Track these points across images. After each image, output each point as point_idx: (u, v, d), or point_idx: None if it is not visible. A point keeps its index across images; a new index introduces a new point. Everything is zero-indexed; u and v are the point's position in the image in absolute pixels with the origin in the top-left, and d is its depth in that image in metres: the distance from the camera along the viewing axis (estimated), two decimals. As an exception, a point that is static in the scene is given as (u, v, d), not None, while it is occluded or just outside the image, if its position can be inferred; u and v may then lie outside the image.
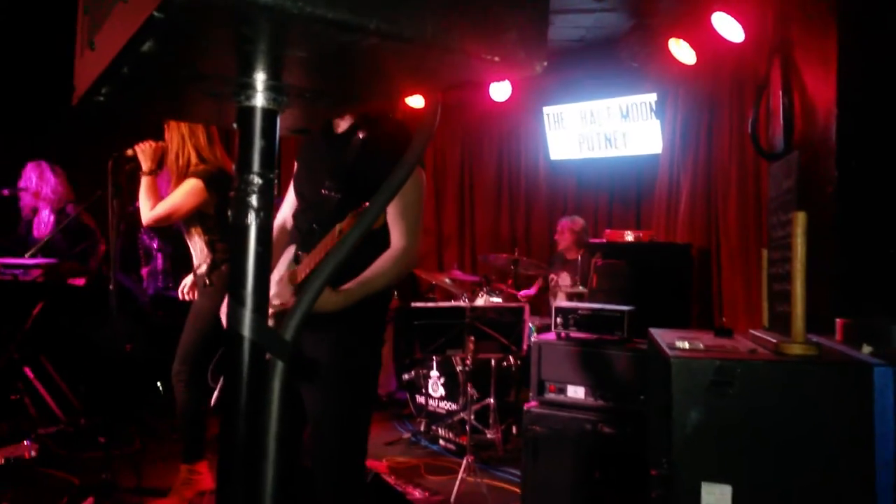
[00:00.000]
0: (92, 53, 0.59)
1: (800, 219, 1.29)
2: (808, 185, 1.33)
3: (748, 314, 3.90)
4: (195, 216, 3.23)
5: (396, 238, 1.89)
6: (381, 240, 1.89)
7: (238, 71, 0.57)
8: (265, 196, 0.59)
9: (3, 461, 3.85)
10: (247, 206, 0.59)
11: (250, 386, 0.59)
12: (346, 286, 1.81)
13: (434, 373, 4.53)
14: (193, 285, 3.36)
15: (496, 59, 0.49)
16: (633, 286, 3.53)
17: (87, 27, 0.63)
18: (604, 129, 5.69)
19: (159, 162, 3.27)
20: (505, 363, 4.48)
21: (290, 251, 1.99)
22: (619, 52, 4.89)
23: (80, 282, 4.42)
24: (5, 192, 4.34)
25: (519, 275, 5.19)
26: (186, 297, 3.36)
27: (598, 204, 6.13)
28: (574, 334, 2.94)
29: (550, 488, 2.79)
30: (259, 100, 0.59)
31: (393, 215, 1.87)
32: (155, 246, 4.84)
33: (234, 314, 0.59)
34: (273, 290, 1.89)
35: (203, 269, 3.27)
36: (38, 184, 4.49)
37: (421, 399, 4.63)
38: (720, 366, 1.29)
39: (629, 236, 4.14)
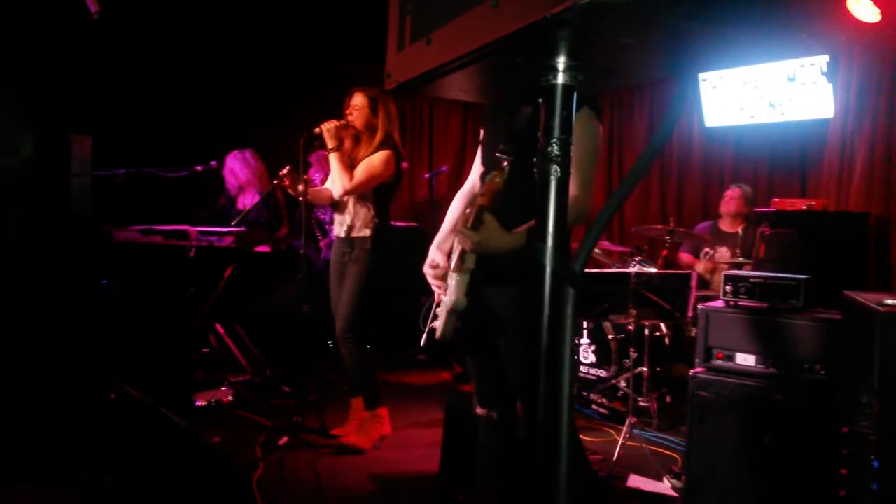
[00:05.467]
0: (427, 48, 0.76)
1: None
2: None
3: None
4: None
5: (570, 187, 1.98)
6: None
7: (547, 56, 0.72)
8: (565, 155, 0.74)
9: (206, 403, 4.42)
10: (550, 162, 0.74)
11: (551, 307, 0.74)
12: (518, 229, 1.94)
13: (584, 340, 4.62)
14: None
15: (802, 35, 0.59)
16: (805, 256, 3.42)
17: (412, 25, 0.81)
18: (767, 93, 5.44)
19: (341, 140, 3.63)
20: (657, 333, 4.50)
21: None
22: (788, 12, 4.65)
23: (266, 249, 4.91)
24: (213, 163, 4.90)
25: (674, 246, 5.12)
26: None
27: (757, 173, 5.86)
28: (744, 303, 2.93)
29: (717, 452, 2.82)
30: (560, 78, 0.74)
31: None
32: (328, 219, 5.27)
33: (539, 250, 0.75)
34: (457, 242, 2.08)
35: (366, 232, 3.60)
36: (241, 170, 5.06)
37: (573, 365, 4.74)
38: None
39: (802, 205, 3.98)
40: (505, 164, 1.67)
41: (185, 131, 5.74)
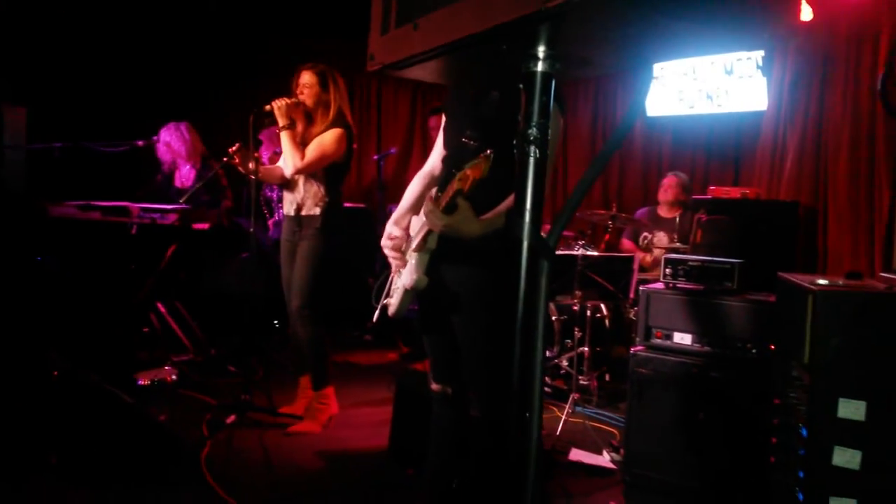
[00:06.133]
0: (414, 33, 0.81)
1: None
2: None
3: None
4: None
5: None
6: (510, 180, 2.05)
7: (528, 45, 0.77)
8: (543, 138, 0.80)
9: (148, 382, 4.35)
10: (530, 144, 0.80)
11: (527, 277, 0.80)
12: (485, 216, 2.02)
13: (531, 321, 4.74)
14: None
15: (763, 35, 0.66)
16: (738, 242, 3.61)
17: (398, 10, 0.84)
18: (706, 85, 5.65)
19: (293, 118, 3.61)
20: (598, 315, 4.65)
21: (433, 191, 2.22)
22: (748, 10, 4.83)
23: (205, 226, 4.83)
24: (155, 138, 4.78)
25: (615, 231, 5.29)
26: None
27: (694, 161, 6.10)
28: (682, 285, 3.07)
29: (654, 427, 2.97)
30: (540, 66, 0.79)
31: None
32: (275, 198, 5.22)
33: (516, 224, 0.80)
34: (421, 221, 2.12)
35: (316, 211, 3.60)
36: (175, 142, 4.94)
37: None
38: (863, 297, 1.44)
39: (737, 193, 4.19)
40: (489, 151, 1.72)
41: (127, 104, 5.57)
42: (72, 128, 4.87)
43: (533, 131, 0.80)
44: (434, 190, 2.12)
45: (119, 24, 5.65)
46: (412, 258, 2.12)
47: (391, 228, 2.26)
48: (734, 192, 4.38)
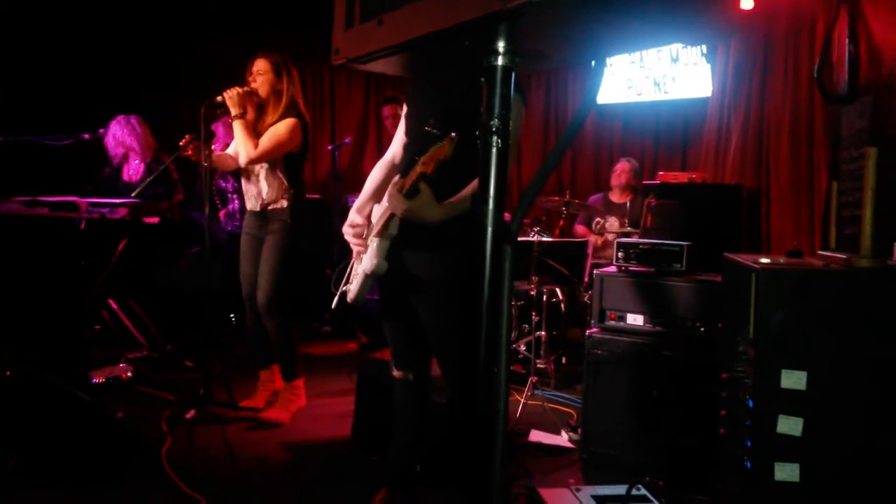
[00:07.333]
0: (379, 28, 0.84)
1: (871, 153, 1.52)
2: (877, 125, 1.54)
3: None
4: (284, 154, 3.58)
5: None
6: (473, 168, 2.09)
7: (489, 40, 0.81)
8: (505, 128, 0.84)
9: (103, 380, 4.28)
10: (492, 134, 0.84)
11: (492, 262, 0.85)
12: (447, 201, 2.06)
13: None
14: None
15: (707, 30, 0.71)
16: (686, 225, 3.73)
17: (362, 6, 0.87)
18: (653, 73, 5.79)
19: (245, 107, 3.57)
20: (554, 299, 4.75)
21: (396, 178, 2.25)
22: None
23: (156, 220, 4.75)
24: (102, 131, 4.68)
25: (569, 217, 5.40)
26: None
27: (644, 148, 6.27)
28: (633, 268, 3.17)
29: (610, 405, 3.07)
30: (500, 60, 0.83)
31: None
32: (230, 188, 5.15)
33: (481, 211, 0.85)
34: (385, 203, 2.15)
35: (283, 204, 3.58)
36: (127, 136, 4.84)
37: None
38: (802, 274, 1.53)
39: (685, 178, 4.33)
40: (454, 134, 1.74)
41: (70, 97, 5.41)
42: (13, 121, 4.72)
43: (495, 122, 0.84)
44: (398, 175, 2.15)
45: (61, 16, 5.48)
46: (372, 243, 2.15)
47: (353, 216, 2.28)
48: (682, 177, 4.53)
